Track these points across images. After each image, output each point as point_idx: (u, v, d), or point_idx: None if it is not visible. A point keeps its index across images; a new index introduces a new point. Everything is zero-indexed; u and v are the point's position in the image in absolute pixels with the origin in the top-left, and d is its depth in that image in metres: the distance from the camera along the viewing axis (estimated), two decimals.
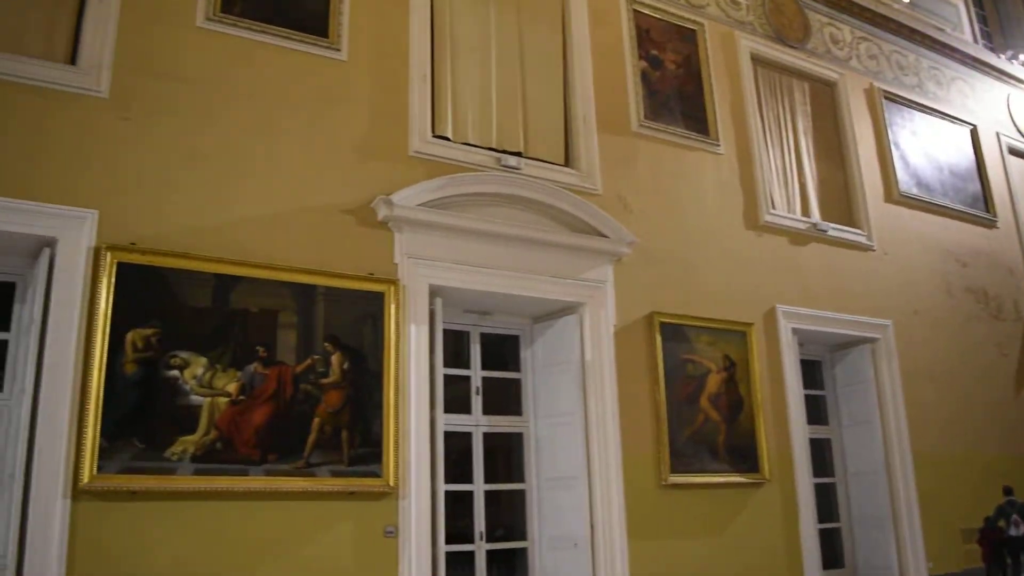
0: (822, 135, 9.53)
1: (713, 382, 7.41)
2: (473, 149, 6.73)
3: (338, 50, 6.29)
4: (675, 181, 7.89)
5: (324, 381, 5.57)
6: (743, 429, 7.43)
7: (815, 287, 8.48)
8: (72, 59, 5.44)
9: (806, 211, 8.85)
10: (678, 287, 7.46)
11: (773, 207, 8.52)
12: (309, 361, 5.56)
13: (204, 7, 5.85)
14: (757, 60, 9.17)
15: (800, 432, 7.83)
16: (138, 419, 4.94)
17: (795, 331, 8.12)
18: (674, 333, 7.26)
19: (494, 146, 6.87)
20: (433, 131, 6.58)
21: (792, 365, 7.97)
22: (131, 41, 5.55)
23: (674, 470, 6.90)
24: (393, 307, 5.87)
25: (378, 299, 5.87)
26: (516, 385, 7.07)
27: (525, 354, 7.10)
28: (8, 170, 4.96)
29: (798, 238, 8.59)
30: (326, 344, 5.63)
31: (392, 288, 5.91)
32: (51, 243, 5.02)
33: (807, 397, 8.29)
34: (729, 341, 7.60)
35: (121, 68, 5.47)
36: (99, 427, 4.80)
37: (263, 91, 5.93)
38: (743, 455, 7.35)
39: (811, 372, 8.87)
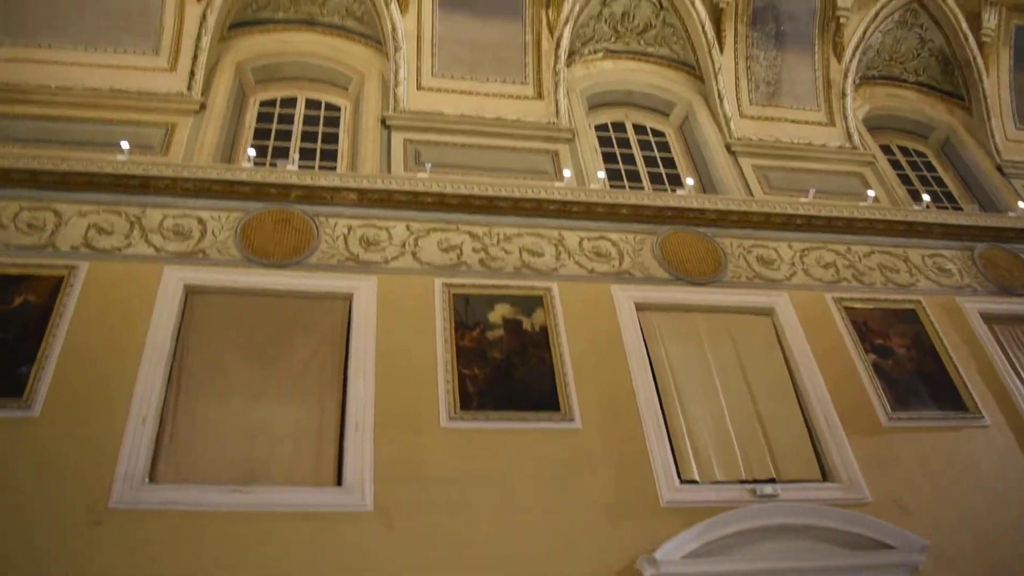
0: None
1: None
2: (724, 486, 6.53)
3: (572, 420, 6.55)
4: (948, 467, 7.16)
5: None
6: None
7: None
8: (338, 481, 5.94)
9: None
10: None
11: None
12: None
13: (446, 408, 6.39)
14: (989, 318, 8.64)
15: None
16: None
17: None
18: None
19: (744, 477, 6.64)
20: (680, 477, 6.48)
21: None
22: (386, 454, 6.07)
23: None
24: None
25: None
26: None
27: None
28: None
29: None
30: None
31: None
32: None
33: None
34: None
35: (381, 480, 5.93)
36: None
37: (509, 472, 6.18)
38: None
39: None
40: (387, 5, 9.54)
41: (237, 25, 9.65)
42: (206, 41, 9.02)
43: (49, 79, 8.48)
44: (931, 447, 7.29)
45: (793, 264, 8.39)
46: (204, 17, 9.09)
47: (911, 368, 7.89)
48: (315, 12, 9.89)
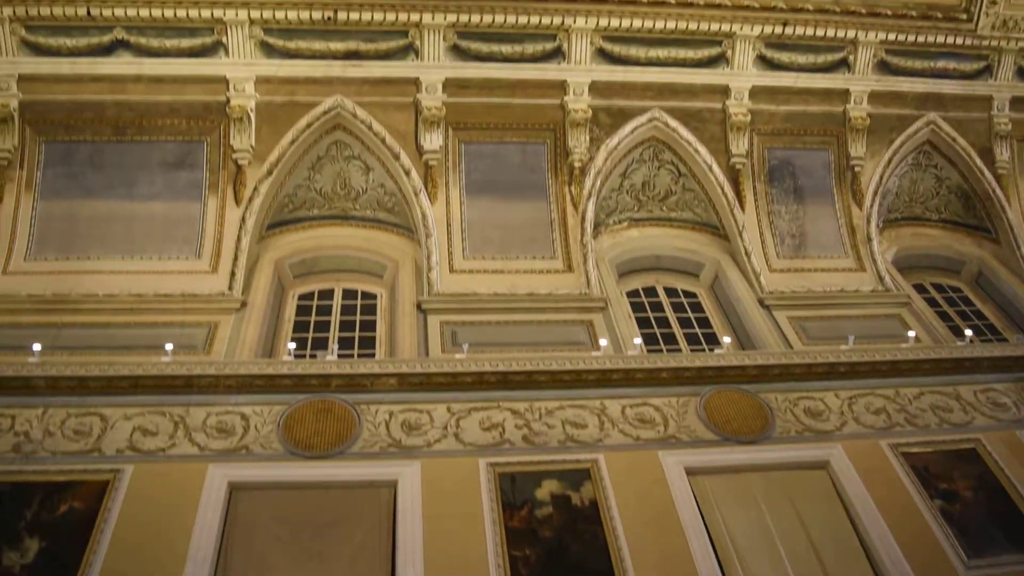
0: None
1: None
2: None
3: None
4: None
5: None
6: None
7: None
8: None
9: None
10: None
11: None
12: None
13: None
14: None
15: None
16: None
17: None
18: None
19: None
20: None
21: None
22: None
23: None
24: None
25: None
26: None
27: None
28: None
29: None
30: None
31: None
32: None
33: None
34: None
35: None
36: None
37: None
38: None
39: None
40: (416, 196, 9.96)
41: (274, 225, 10.11)
42: (246, 242, 9.42)
43: (97, 288, 8.85)
44: None
45: (842, 413, 8.19)
46: (243, 220, 9.54)
47: (981, 511, 7.53)
48: (348, 207, 10.37)
